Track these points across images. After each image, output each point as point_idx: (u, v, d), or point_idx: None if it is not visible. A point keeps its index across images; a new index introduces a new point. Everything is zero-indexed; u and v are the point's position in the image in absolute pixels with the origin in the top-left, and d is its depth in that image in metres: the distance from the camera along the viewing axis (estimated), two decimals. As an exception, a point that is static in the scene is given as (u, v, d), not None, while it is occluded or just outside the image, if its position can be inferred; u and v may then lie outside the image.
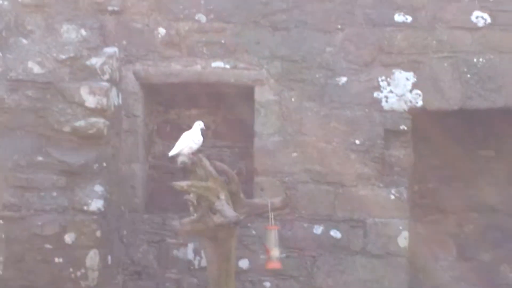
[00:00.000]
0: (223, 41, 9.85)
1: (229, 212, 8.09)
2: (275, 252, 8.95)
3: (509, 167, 10.53)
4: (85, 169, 9.17)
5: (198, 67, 9.87)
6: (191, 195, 8.36)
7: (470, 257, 10.59)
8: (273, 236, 9.07)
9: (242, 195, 8.88)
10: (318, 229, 9.82)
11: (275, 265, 9.05)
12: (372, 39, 9.90)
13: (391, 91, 9.81)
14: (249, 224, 9.79)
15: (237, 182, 8.73)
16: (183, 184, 8.19)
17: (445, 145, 10.27)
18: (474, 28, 9.96)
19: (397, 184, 9.96)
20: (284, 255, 9.37)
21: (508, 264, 10.70)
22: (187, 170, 8.54)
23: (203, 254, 9.27)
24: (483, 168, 10.54)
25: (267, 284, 9.74)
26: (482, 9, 9.94)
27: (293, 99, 9.86)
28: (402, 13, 9.96)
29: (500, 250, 10.72)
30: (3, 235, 8.37)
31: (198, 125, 8.55)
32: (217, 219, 8.08)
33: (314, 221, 9.81)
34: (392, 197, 9.93)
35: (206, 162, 8.27)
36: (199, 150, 8.49)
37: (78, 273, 8.94)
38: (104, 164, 9.37)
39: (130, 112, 9.87)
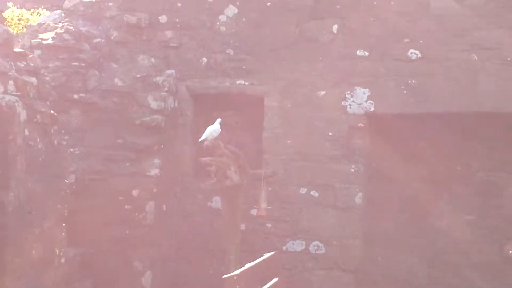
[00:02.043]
0: (244, 67, 9.74)
1: (236, 178, 8.71)
2: (263, 205, 9.28)
3: (436, 149, 10.14)
4: (148, 149, 9.69)
5: (227, 84, 9.77)
6: (213, 167, 8.57)
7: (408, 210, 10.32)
8: (263, 194, 9.28)
9: (247, 167, 9.16)
10: (303, 191, 10.00)
11: (262, 213, 9.47)
12: (342, 67, 9.74)
13: (353, 101, 9.81)
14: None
15: (243, 158, 9.03)
16: (206, 159, 8.67)
17: (396, 138, 10.10)
18: (409, 60, 9.76)
19: (357, 162, 10.05)
20: (270, 207, 9.54)
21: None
22: (210, 150, 8.62)
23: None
24: (419, 155, 10.19)
25: (269, 225, 9.92)
26: (410, 45, 9.77)
27: (289, 105, 9.88)
28: (362, 49, 9.70)
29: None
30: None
31: (218, 121, 8.73)
32: (228, 182, 8.67)
33: (301, 185, 9.95)
34: (352, 170, 10.00)
35: (221, 145, 8.59)
36: (216, 136, 8.44)
37: (140, 216, 9.47)
38: (162, 146, 9.82)
39: (183, 113, 9.84)
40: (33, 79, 6.38)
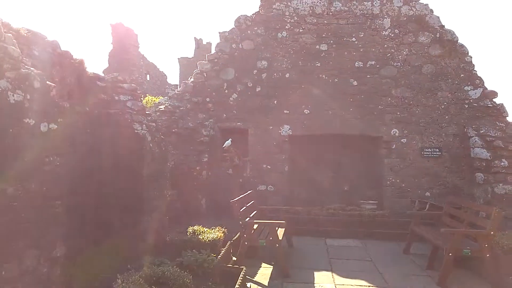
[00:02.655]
0: (240, 117, 9.29)
1: (237, 161, 9.04)
2: (248, 171, 9.11)
3: (315, 148, 9.75)
4: (202, 151, 8.82)
5: (234, 124, 9.26)
6: (228, 156, 8.37)
7: (304, 172, 9.80)
8: (248, 167, 9.16)
9: (241, 157, 9.02)
10: (264, 166, 9.23)
11: (248, 174, 9.16)
12: (278, 117, 9.25)
13: (284, 130, 9.25)
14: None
15: (240, 153, 8.88)
16: (226, 154, 8.57)
17: (300, 144, 9.49)
18: (305, 114, 9.27)
19: (285, 154, 9.26)
20: (251, 172, 9.10)
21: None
22: (226, 150, 8.36)
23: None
24: (309, 150, 9.70)
25: (252, 179, 9.15)
26: (305, 108, 9.32)
27: (258, 132, 9.22)
28: (286, 110, 9.30)
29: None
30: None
31: (230, 139, 8.58)
32: (234, 163, 8.77)
33: (263, 164, 9.20)
34: (283, 157, 9.27)
35: (231, 148, 8.58)
36: (229, 145, 8.25)
37: (200, 177, 8.64)
38: (208, 149, 8.83)
39: (216, 136, 9.19)
40: (153, 124, 6.19)
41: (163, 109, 8.98)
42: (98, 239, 5.11)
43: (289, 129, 9.29)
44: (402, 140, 8.99)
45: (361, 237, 7.94)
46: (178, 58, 23.49)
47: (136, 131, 5.65)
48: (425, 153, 8.89)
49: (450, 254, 5.05)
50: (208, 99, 9.41)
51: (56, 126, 3.66)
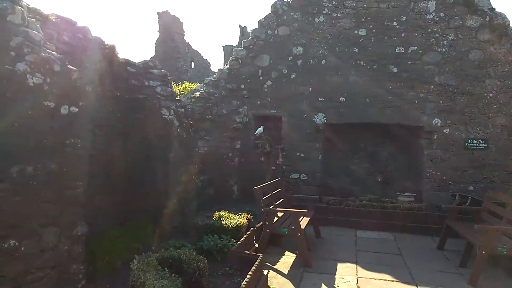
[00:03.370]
0: (274, 105, 9.19)
1: (269, 149, 8.80)
2: (280, 159, 8.96)
3: (350, 137, 9.50)
4: (235, 138, 9.01)
5: (267, 111, 9.17)
6: (260, 144, 8.32)
7: (339, 161, 9.57)
8: (280, 155, 8.99)
9: (274, 144, 8.83)
10: (298, 154, 9.07)
11: (280, 162, 8.99)
12: (312, 104, 9.05)
13: (318, 118, 9.03)
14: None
15: (271, 142, 8.69)
16: (258, 141, 8.52)
17: (334, 132, 9.26)
18: (340, 101, 9.05)
19: (319, 142, 9.05)
20: (282, 160, 8.96)
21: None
22: (258, 137, 8.30)
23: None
24: (344, 139, 9.47)
25: (284, 167, 9.03)
26: (340, 95, 9.06)
27: (292, 120, 9.05)
28: (321, 97, 9.08)
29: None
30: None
31: (262, 126, 8.60)
32: (266, 150, 8.50)
33: (296, 152, 9.05)
34: (317, 145, 9.04)
35: (263, 135, 8.50)
36: (261, 132, 8.18)
37: (232, 163, 8.84)
38: (241, 136, 9.00)
39: (249, 123, 9.19)
40: (182, 109, 6.20)
41: (198, 95, 9.04)
42: (125, 220, 5.28)
43: (323, 117, 9.06)
44: (444, 130, 8.50)
45: (394, 230, 7.68)
46: (222, 46, 23.64)
47: (163, 116, 5.74)
48: (470, 144, 8.38)
49: (483, 252, 4.74)
50: (242, 86, 9.38)
51: (77, 110, 3.73)
